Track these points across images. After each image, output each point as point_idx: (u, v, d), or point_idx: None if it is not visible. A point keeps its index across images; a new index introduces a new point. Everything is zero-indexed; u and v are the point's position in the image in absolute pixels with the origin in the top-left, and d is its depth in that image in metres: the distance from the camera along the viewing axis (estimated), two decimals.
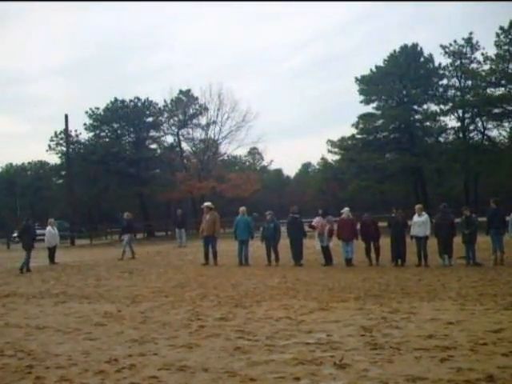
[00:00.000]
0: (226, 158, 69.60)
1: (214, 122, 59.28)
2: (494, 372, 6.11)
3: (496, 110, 54.53)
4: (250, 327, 9.11)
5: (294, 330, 8.81)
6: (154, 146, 64.12)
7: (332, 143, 60.30)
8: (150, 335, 8.68)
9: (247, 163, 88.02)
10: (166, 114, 61.42)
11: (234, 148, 62.66)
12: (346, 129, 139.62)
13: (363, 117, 58.49)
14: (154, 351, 7.64)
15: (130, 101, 60.61)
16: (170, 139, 62.95)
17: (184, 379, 6.32)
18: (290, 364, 6.76)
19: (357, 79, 59.11)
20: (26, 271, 21.31)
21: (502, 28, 53.87)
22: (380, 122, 57.79)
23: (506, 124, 56.42)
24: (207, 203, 23.15)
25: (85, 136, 61.72)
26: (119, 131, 61.51)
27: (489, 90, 55.08)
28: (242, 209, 22.44)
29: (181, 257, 26.79)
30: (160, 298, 13.12)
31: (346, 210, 20.87)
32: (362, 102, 59.09)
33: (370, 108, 59.29)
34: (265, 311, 10.65)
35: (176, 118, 61.09)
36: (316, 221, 21.04)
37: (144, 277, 18.29)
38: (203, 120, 60.16)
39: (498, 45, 54.21)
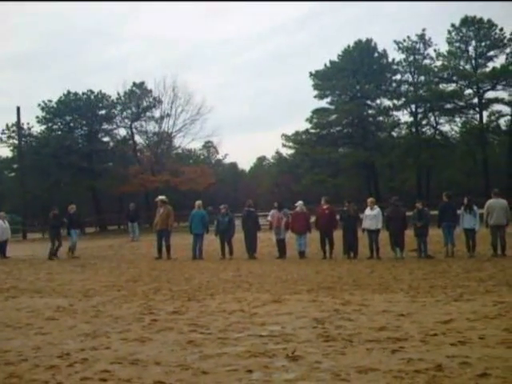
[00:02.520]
0: (180, 151, 69.18)
1: (168, 115, 58.86)
2: (442, 361, 6.21)
3: (448, 106, 55.53)
4: (203, 320, 9.08)
5: (246, 322, 8.81)
6: (106, 139, 63.33)
7: (286, 137, 60.51)
8: (102, 329, 8.58)
9: (202, 157, 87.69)
10: (119, 107, 60.66)
11: (188, 141, 62.38)
12: (300, 123, 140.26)
13: (317, 111, 58.86)
14: (106, 345, 7.55)
15: (83, 93, 59.73)
16: (123, 132, 62.25)
17: (136, 373, 6.26)
18: (243, 357, 6.75)
19: (311, 74, 59.44)
20: None
21: (453, 25, 54.91)
22: (334, 116, 58.23)
23: (458, 119, 57.60)
24: (161, 197, 23.02)
25: (37, 129, 60.73)
26: (72, 124, 60.59)
27: (441, 86, 56.10)
28: (198, 203, 22.36)
29: (133, 251, 26.61)
30: (112, 292, 12.99)
31: (299, 203, 20.98)
32: (316, 96, 59.49)
33: (324, 103, 59.80)
34: (218, 304, 10.62)
35: (129, 111, 60.40)
36: (272, 214, 21.12)
37: (96, 271, 18.12)
38: (157, 113, 59.67)
39: (449, 42, 55.26)
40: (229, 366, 6.39)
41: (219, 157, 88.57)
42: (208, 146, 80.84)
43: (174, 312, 9.95)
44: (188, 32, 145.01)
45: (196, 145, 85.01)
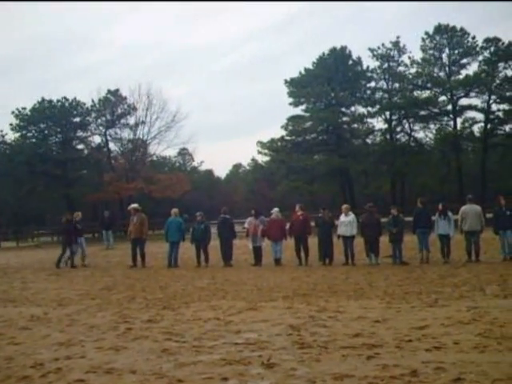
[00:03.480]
0: (155, 158, 68.93)
1: (143, 122, 58.62)
2: (417, 367, 6.25)
3: (422, 112, 56.01)
4: (178, 329, 9.05)
5: (222, 330, 8.79)
6: (81, 147, 62.87)
7: (262, 144, 60.58)
8: (76, 338, 8.51)
9: (177, 164, 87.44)
10: (93, 114, 60.27)
11: (163, 148, 62.19)
12: (276, 130, 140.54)
13: (292, 119, 59.03)
14: (80, 354, 7.50)
15: (58, 101, 59.28)
16: (97, 139, 61.86)
17: (111, 382, 6.23)
18: (218, 364, 6.74)
19: (286, 81, 59.58)
20: None
21: (427, 33, 55.47)
22: (309, 124, 58.42)
23: (432, 126, 58.11)
24: (134, 205, 22.82)
25: (11, 136, 60.18)
26: (46, 131, 60.05)
27: (415, 93, 56.61)
28: (174, 210, 22.24)
29: (108, 259, 26.42)
30: (87, 300, 12.91)
31: (275, 210, 21.01)
32: (291, 104, 59.63)
33: (299, 110, 59.92)
34: (193, 312, 10.59)
35: (104, 118, 60.05)
36: (248, 221, 21.11)
37: (71, 279, 17.94)
38: (131, 120, 59.35)
39: (423, 49, 55.81)
40: (204, 374, 6.38)
41: (195, 164, 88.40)
42: (183, 153, 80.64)
43: (148, 320, 9.90)
44: (163, 39, 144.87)
45: (171, 152, 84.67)
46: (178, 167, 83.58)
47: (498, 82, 53.83)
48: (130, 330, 9.05)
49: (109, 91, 59.69)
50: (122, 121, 59.78)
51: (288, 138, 59.75)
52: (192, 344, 7.88)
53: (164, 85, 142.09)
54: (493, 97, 54.28)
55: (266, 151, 61.33)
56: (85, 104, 59.90)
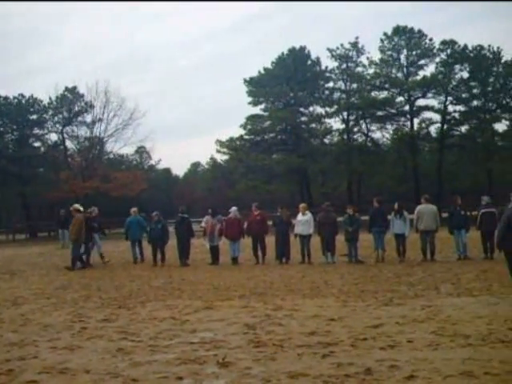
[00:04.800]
0: (111, 156, 68.32)
1: (100, 120, 57.98)
2: (372, 365, 6.30)
3: (379, 113, 56.53)
4: (134, 328, 9.00)
5: (177, 329, 8.76)
6: (37, 144, 62.12)
7: (221, 143, 60.38)
8: (30, 338, 8.41)
9: (134, 162, 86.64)
10: (50, 112, 59.55)
11: (120, 146, 61.62)
12: (235, 129, 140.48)
13: (251, 118, 59.00)
14: (34, 354, 7.41)
15: (14, 98, 58.52)
16: (54, 137, 61.07)
17: (65, 382, 6.18)
18: (173, 364, 6.72)
19: (245, 81, 59.56)
20: None
21: (385, 34, 55.97)
22: (267, 123, 58.48)
23: (389, 126, 58.61)
24: (75, 205, 22.22)
25: None
26: (2, 129, 59.12)
27: (373, 93, 57.03)
28: (134, 209, 22.15)
29: (64, 258, 26.04)
30: (42, 299, 12.76)
31: (233, 209, 20.95)
32: (250, 103, 59.61)
33: (258, 109, 59.92)
34: (149, 312, 10.54)
35: (61, 116, 59.37)
36: (205, 220, 21.03)
37: (26, 278, 17.67)
38: (89, 118, 58.70)
39: (382, 50, 56.31)
40: (159, 373, 6.36)
41: (152, 162, 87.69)
42: (141, 151, 79.84)
43: (104, 320, 9.84)
44: (123, 37, 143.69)
45: (128, 150, 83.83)
46: (136, 165, 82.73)
47: (454, 83, 54.63)
48: (84, 330, 8.98)
49: (66, 88, 59.01)
50: (79, 118, 59.14)
51: (247, 137, 59.72)
52: (147, 343, 7.85)
53: (122, 83, 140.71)
54: (449, 98, 55.04)
55: (225, 150, 61.17)
56: (42, 101, 59.21)
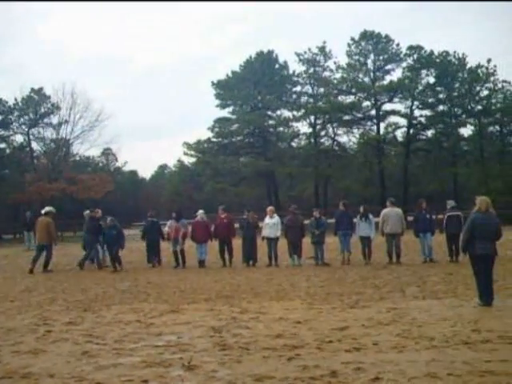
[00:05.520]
0: (78, 158, 67.79)
1: (66, 122, 57.47)
2: (337, 368, 6.33)
3: (346, 117, 56.79)
4: (99, 331, 8.93)
5: (143, 332, 8.72)
6: (2, 146, 61.30)
7: (188, 146, 60.15)
8: None
9: (100, 164, 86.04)
10: (16, 113, 58.88)
11: (86, 148, 61.23)
12: (203, 132, 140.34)
13: (219, 121, 58.96)
14: None
15: None
16: (19, 139, 60.38)
17: None
18: (139, 367, 6.69)
19: (213, 83, 59.49)
20: None
21: (352, 39, 56.28)
22: (235, 126, 58.47)
23: (356, 130, 58.85)
24: (46, 208, 21.91)
25: None
26: None
27: (340, 98, 57.30)
28: (87, 212, 21.89)
29: (29, 260, 25.72)
30: (5, 303, 12.61)
31: (200, 212, 20.90)
32: (218, 106, 59.57)
33: (225, 112, 59.88)
34: (114, 315, 10.47)
35: (27, 117, 58.77)
36: (169, 224, 20.91)
37: None
38: (55, 119, 58.13)
39: (349, 54, 56.59)
40: (124, 376, 6.33)
41: (118, 164, 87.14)
42: (107, 153, 79.36)
43: (69, 323, 9.77)
44: (89, 38, 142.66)
45: (94, 152, 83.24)
46: (102, 167, 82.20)
47: (420, 88, 55.13)
48: (49, 333, 8.90)
49: (32, 90, 58.44)
50: (46, 120, 58.55)
51: (215, 139, 59.63)
52: (112, 346, 7.81)
53: (89, 84, 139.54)
54: (415, 103, 55.50)
55: (193, 152, 60.98)
56: (7, 102, 58.47)
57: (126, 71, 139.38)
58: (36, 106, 58.47)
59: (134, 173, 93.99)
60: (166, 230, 21.24)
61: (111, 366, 6.78)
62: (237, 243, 20.48)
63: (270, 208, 20.92)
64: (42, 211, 21.50)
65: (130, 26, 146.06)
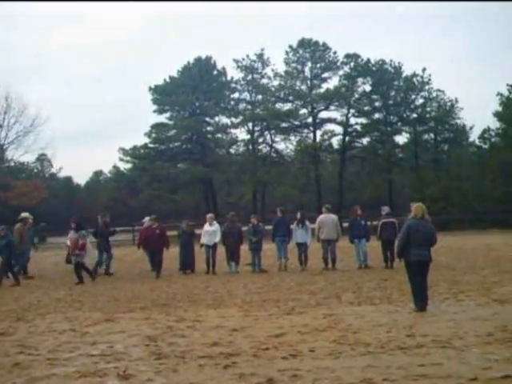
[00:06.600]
0: (12, 164, 66.41)
1: (1, 126, 56.40)
2: (274, 375, 6.32)
3: (284, 124, 57.32)
4: (32, 341, 8.75)
5: (77, 342, 8.58)
6: None
7: (124, 151, 59.47)
8: None
9: (35, 170, 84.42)
10: None
11: (21, 154, 60.03)
12: (139, 137, 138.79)
13: (156, 126, 58.50)
14: None
15: None
16: None
17: None
18: (73, 377, 6.58)
19: (150, 88, 59.01)
20: None
21: (290, 46, 56.82)
22: (173, 132, 58.20)
23: (293, 137, 59.41)
24: (22, 214, 21.35)
25: None
26: None
27: (277, 105, 57.80)
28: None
29: None
30: None
31: (146, 219, 20.78)
32: (155, 111, 59.12)
33: (163, 118, 59.50)
34: (48, 324, 10.28)
35: None
36: (69, 237, 19.64)
37: None
38: None
39: (287, 62, 57.13)
40: None
41: (53, 170, 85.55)
42: (42, 158, 77.89)
43: (0, 333, 9.51)
44: (24, 41, 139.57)
45: (29, 158, 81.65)
46: (36, 173, 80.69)
47: (356, 96, 56.11)
48: None
49: None
50: None
51: (151, 145, 59.15)
52: (46, 357, 7.66)
53: (24, 89, 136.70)
54: (351, 110, 56.47)
55: (129, 158, 60.38)
56: None
57: (63, 76, 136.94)
58: None
59: (68, 179, 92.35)
60: (66, 243, 20.33)
61: (45, 377, 6.64)
62: (174, 251, 20.30)
63: (209, 215, 20.90)
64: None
65: (68, 29, 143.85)
